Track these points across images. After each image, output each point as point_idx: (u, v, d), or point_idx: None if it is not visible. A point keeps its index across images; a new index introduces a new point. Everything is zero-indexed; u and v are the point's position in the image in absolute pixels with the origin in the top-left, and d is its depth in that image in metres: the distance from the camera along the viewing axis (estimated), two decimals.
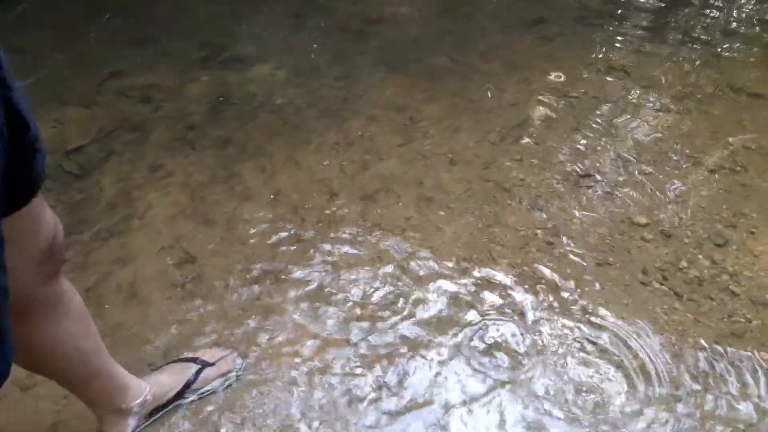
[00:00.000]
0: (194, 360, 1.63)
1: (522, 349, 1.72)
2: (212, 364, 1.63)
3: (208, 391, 1.61)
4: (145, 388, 1.47)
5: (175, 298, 1.87)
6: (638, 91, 2.82)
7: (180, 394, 1.56)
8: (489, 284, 1.90)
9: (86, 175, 2.34)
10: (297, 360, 1.69)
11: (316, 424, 1.55)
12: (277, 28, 3.37)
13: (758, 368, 1.65)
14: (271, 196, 2.24)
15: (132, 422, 1.45)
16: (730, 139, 2.48)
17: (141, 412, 1.47)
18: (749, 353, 1.69)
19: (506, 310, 1.83)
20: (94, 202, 2.23)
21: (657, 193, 2.24)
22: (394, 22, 3.45)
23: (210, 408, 1.58)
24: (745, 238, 2.05)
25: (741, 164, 2.36)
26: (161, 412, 1.54)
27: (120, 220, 2.16)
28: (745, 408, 1.57)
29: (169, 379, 1.55)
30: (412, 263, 1.98)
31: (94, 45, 3.18)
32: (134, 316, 1.81)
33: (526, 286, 1.90)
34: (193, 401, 1.58)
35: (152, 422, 1.51)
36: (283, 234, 2.09)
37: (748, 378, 1.63)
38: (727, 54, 3.11)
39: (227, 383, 1.63)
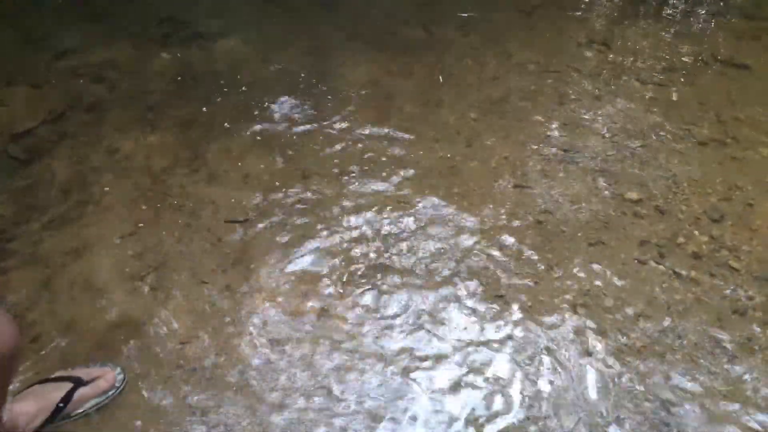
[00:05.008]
0: (68, 378, 1.42)
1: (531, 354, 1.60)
2: (87, 383, 1.42)
3: (80, 414, 1.41)
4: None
5: (136, 291, 1.70)
6: (621, 64, 2.71)
7: (50, 421, 1.36)
8: (484, 259, 1.78)
9: (35, 159, 2.13)
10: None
11: None
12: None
13: None
14: (240, 180, 2.08)
15: None
16: (719, 111, 2.39)
17: None
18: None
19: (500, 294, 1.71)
20: (45, 187, 2.03)
21: (647, 167, 2.14)
22: None
23: None
24: (742, 211, 1.96)
25: (732, 136, 2.26)
26: None
27: (74, 206, 1.97)
28: None
29: (34, 406, 1.34)
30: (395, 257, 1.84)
31: (43, 20, 2.94)
32: (90, 312, 1.64)
33: (514, 269, 1.77)
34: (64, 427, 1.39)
35: None
36: (254, 220, 1.93)
37: None
38: (709, 25, 3.02)
39: (101, 404, 1.42)
